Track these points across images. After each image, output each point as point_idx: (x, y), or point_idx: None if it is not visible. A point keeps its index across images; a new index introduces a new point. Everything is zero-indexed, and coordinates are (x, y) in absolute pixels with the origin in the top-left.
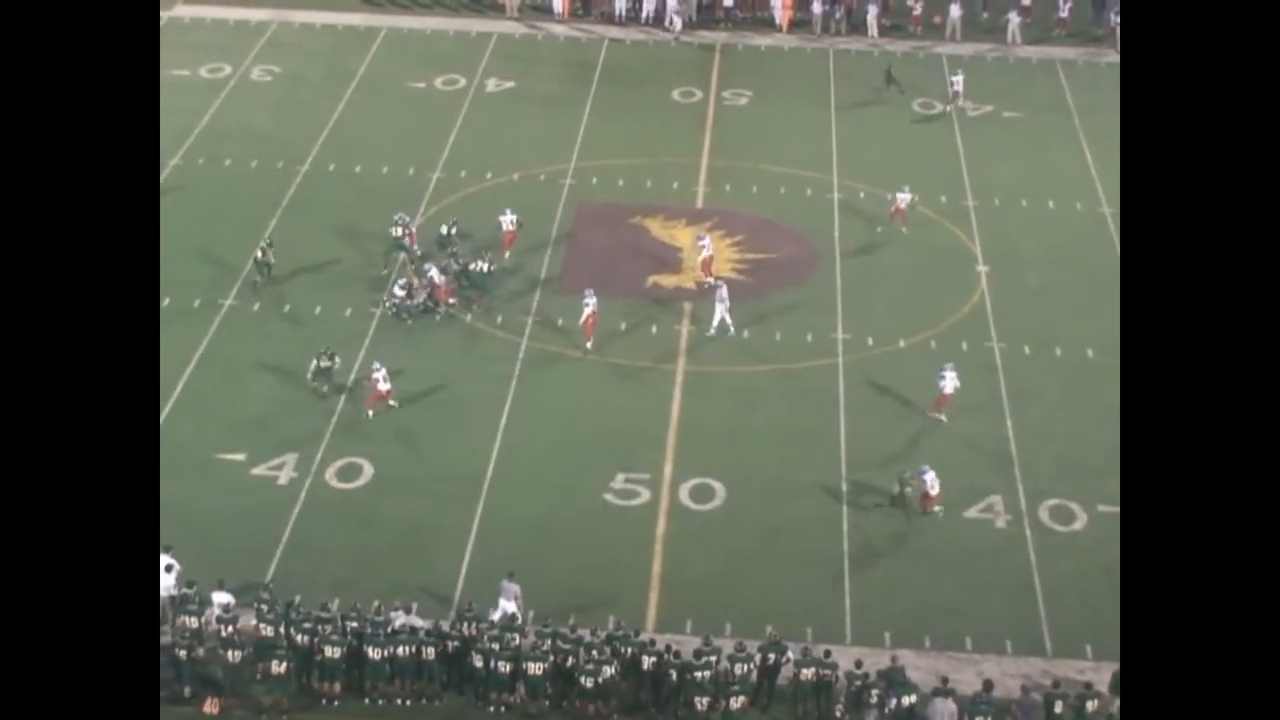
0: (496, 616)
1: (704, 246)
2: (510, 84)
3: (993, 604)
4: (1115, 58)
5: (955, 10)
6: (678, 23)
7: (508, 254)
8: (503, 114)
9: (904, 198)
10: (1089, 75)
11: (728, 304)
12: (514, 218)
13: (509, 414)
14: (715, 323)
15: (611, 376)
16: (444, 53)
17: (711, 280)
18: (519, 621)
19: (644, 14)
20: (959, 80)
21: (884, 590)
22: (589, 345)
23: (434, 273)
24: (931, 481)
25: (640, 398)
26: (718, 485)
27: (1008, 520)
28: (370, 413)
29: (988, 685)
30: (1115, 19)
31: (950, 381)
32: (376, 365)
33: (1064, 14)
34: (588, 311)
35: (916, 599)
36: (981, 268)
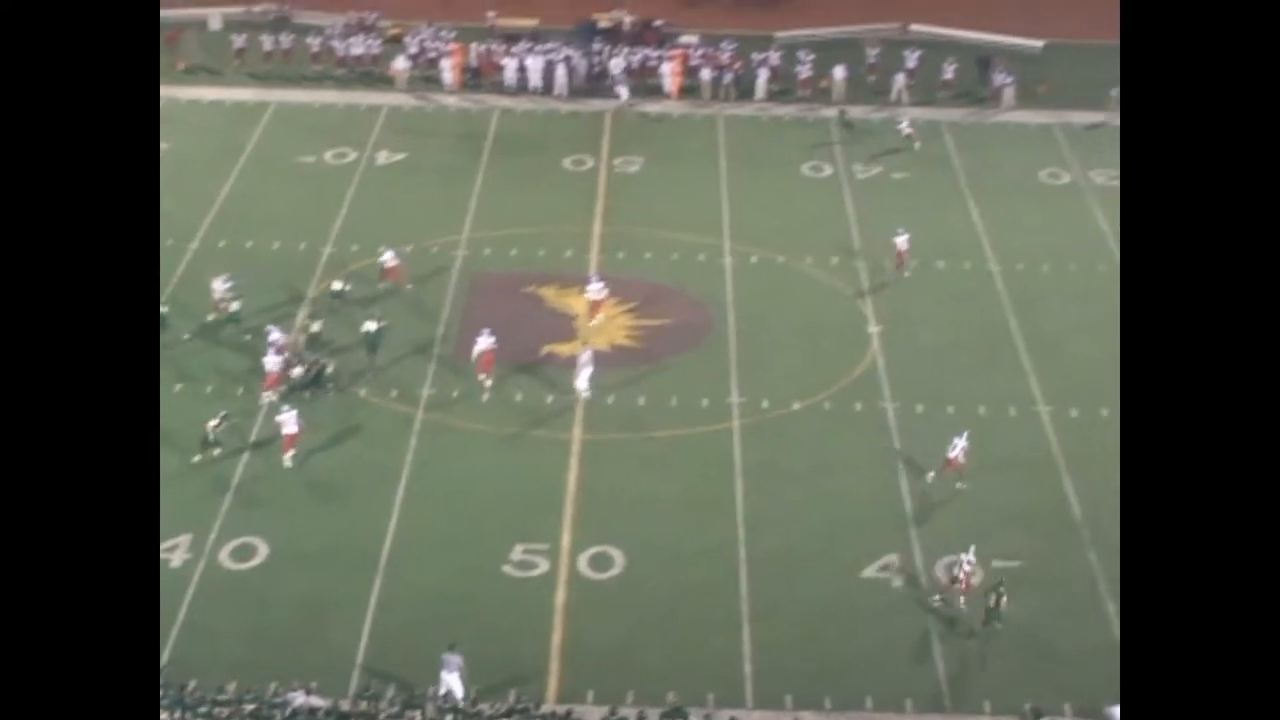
0: (443, 691)
1: (596, 289)
2: (401, 156)
3: (892, 662)
4: (1001, 118)
5: (840, 73)
6: (624, 93)
7: (409, 285)
8: (394, 186)
9: (902, 240)
10: (974, 136)
11: (591, 369)
12: (393, 253)
13: (405, 487)
14: (579, 385)
15: (507, 446)
16: (334, 126)
17: (597, 319)
18: (461, 695)
19: (531, 84)
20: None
21: (785, 652)
22: (487, 384)
23: (275, 334)
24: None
25: (537, 467)
26: (617, 553)
27: (905, 579)
28: (287, 460)
29: None
30: (999, 79)
31: (959, 448)
32: (285, 409)
33: (949, 76)
34: (480, 349)
35: (817, 660)
36: (873, 328)
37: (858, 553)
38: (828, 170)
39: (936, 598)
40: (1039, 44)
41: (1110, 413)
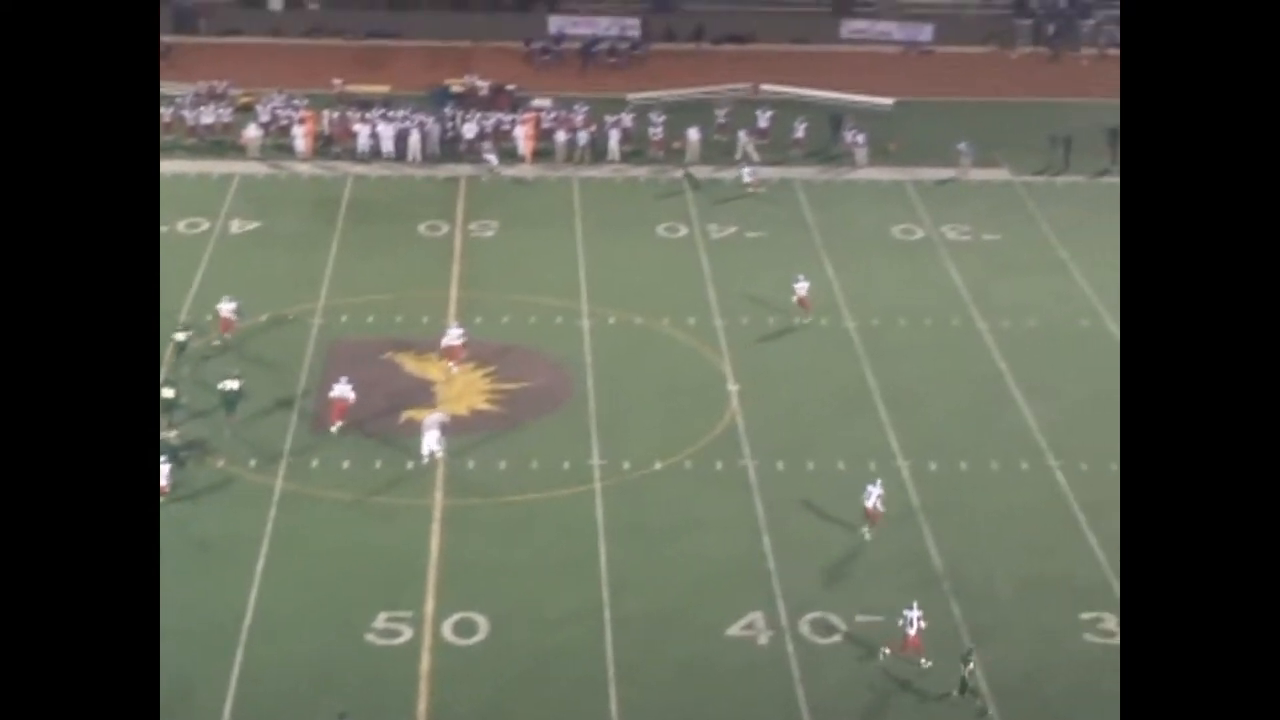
0: None
1: (456, 335)
2: (255, 224)
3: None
4: (853, 175)
5: (694, 134)
6: (493, 159)
7: (228, 335)
8: (249, 255)
9: (802, 286)
10: (827, 193)
11: (438, 432)
12: (234, 305)
13: (265, 558)
14: (425, 449)
15: (369, 514)
16: (186, 196)
17: (455, 368)
18: None
19: (384, 151)
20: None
21: (652, 713)
22: (334, 429)
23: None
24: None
25: (399, 534)
26: (481, 619)
27: (770, 636)
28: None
29: None
30: (851, 137)
31: (874, 497)
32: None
33: (800, 135)
34: (336, 394)
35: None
36: (732, 386)
37: (722, 611)
38: (683, 230)
39: (885, 651)
40: (889, 102)
41: (969, 466)
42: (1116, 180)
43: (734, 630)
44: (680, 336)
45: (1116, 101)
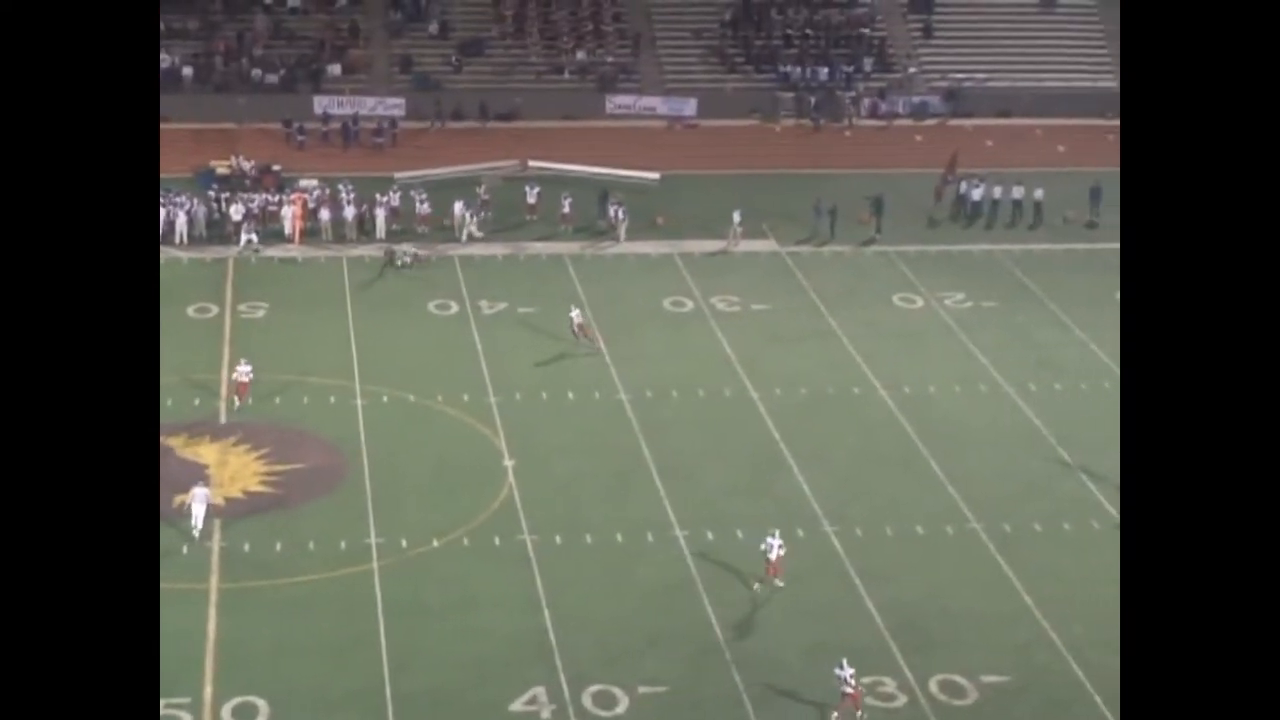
0: None
1: (244, 371)
2: None
3: None
4: (621, 249)
5: (459, 209)
6: (254, 239)
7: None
8: None
9: (245, 371)
10: (595, 267)
11: (204, 506)
12: (248, 369)
13: None
14: (196, 524)
15: None
16: None
17: (239, 401)
18: None
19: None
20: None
21: None
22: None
23: None
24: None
25: (175, 619)
26: (261, 702)
27: (552, 710)
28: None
29: None
30: (613, 210)
31: (775, 549)
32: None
33: (566, 210)
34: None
35: None
36: (508, 462)
37: (504, 687)
38: (454, 307)
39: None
40: (655, 176)
41: (745, 535)
42: (882, 249)
43: (517, 705)
44: (454, 413)
45: (879, 171)
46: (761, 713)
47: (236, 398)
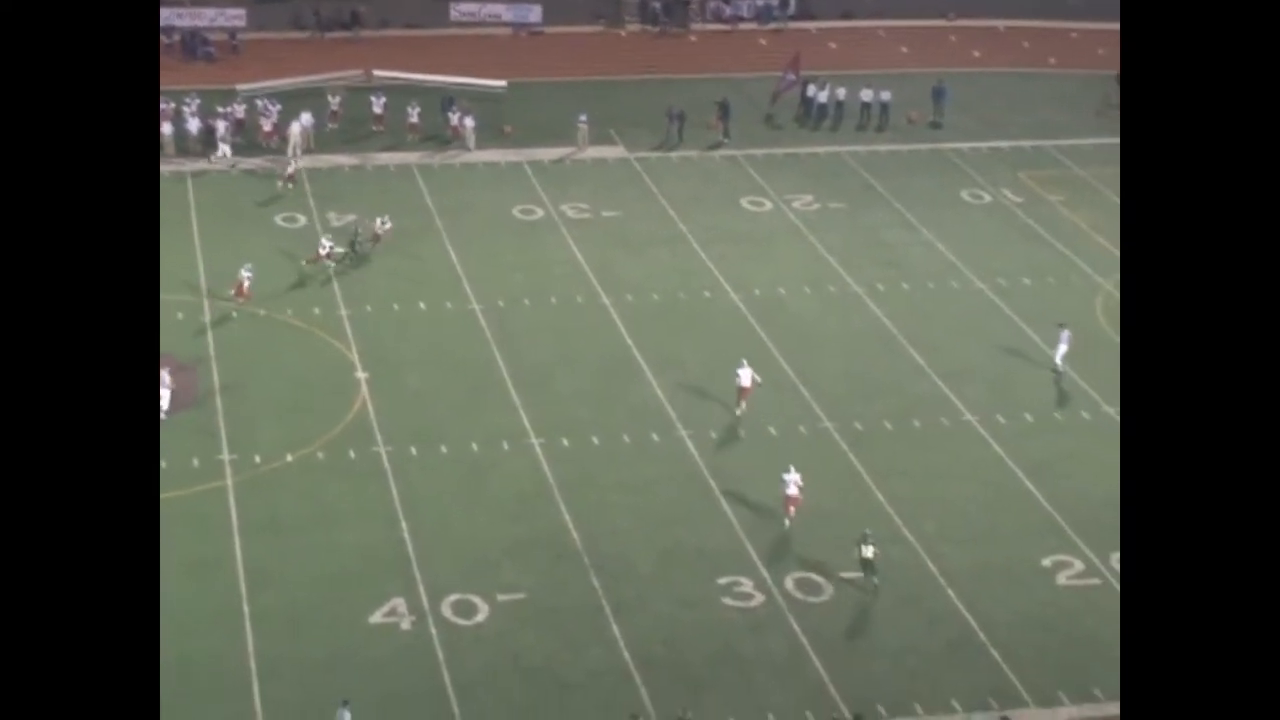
0: None
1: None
2: None
3: (407, 708)
4: (470, 158)
5: (300, 123)
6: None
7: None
8: None
9: (246, 275)
10: (444, 177)
11: None
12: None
13: None
14: None
15: None
16: None
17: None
18: None
19: None
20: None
21: (295, 709)
22: None
23: None
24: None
25: None
26: None
27: (412, 621)
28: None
29: None
30: (456, 118)
31: (793, 483)
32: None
33: (414, 120)
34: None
35: (331, 711)
36: (361, 375)
37: (363, 600)
38: (301, 220)
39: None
40: (502, 84)
41: (601, 440)
42: (730, 152)
43: (376, 618)
44: (305, 327)
45: (725, 75)
46: (620, 617)
47: None
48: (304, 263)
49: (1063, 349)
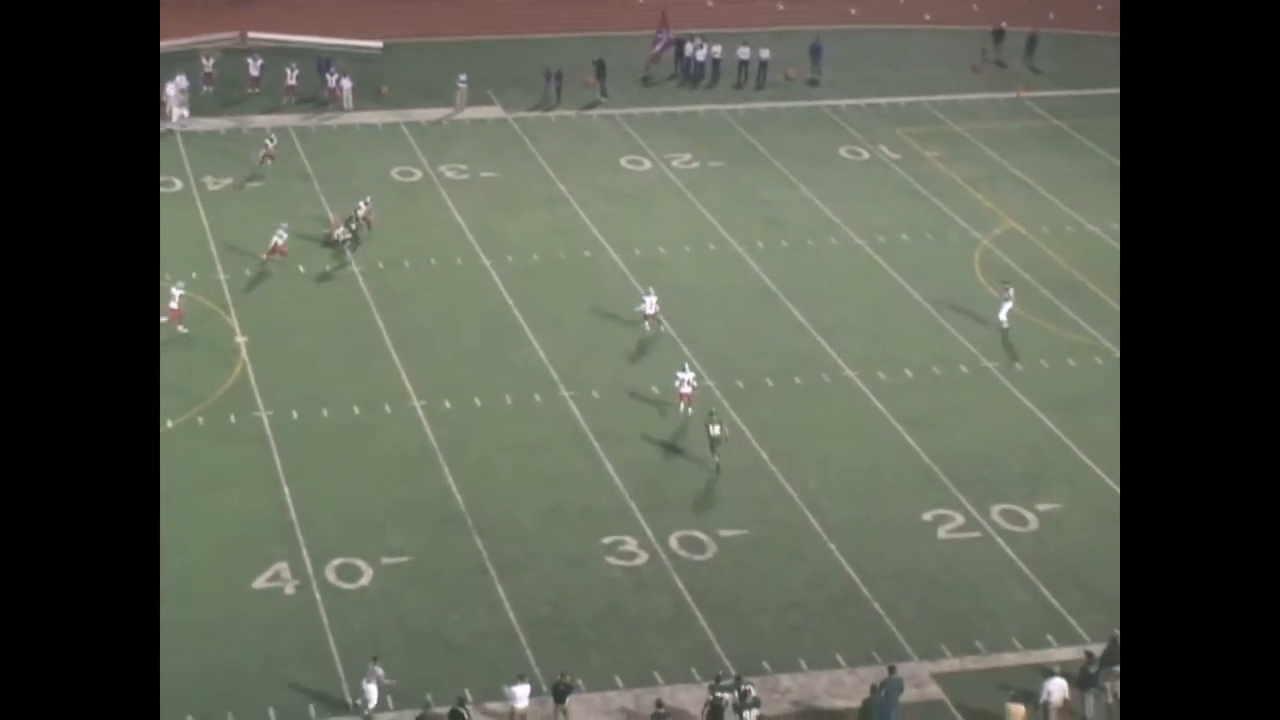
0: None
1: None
2: None
3: (293, 672)
4: (347, 120)
5: (175, 85)
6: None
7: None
8: None
9: (178, 295)
10: (321, 139)
11: None
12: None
13: None
14: None
15: None
16: None
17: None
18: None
19: None
20: None
21: (185, 676)
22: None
23: None
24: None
25: None
26: None
27: (296, 585)
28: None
29: None
30: (333, 80)
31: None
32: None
33: (292, 82)
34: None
35: (220, 677)
36: (240, 339)
37: (247, 565)
38: (178, 185)
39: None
40: (378, 44)
41: (483, 402)
42: (608, 112)
43: (259, 583)
44: (184, 293)
45: (600, 33)
46: (505, 578)
47: None
48: (264, 257)
49: (1007, 306)
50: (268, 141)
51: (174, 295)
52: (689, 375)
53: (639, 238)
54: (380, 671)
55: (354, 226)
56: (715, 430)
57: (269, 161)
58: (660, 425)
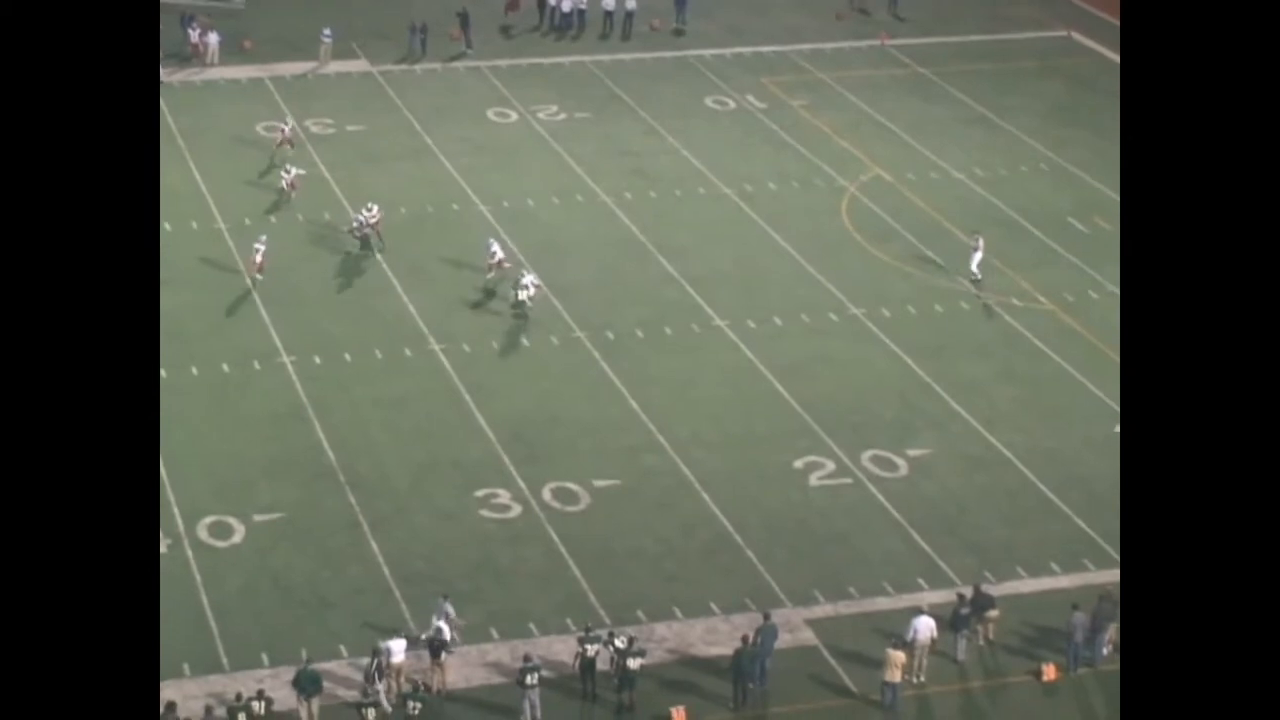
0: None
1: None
2: None
3: (166, 631)
4: (210, 75)
5: None
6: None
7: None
8: None
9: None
10: (185, 95)
11: None
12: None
13: None
14: None
15: None
16: None
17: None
18: (448, 639)
19: None
20: None
21: None
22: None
23: None
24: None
25: None
26: None
27: (168, 544)
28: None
29: (170, 706)
30: (196, 34)
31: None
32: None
33: None
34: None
35: None
36: None
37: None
38: None
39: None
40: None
41: (353, 357)
42: (473, 64)
43: None
44: None
45: None
46: (378, 533)
47: None
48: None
49: (978, 256)
50: (284, 127)
51: (257, 249)
52: (495, 248)
53: (507, 190)
54: (450, 609)
55: (364, 232)
56: (523, 295)
57: (288, 147)
58: (531, 376)
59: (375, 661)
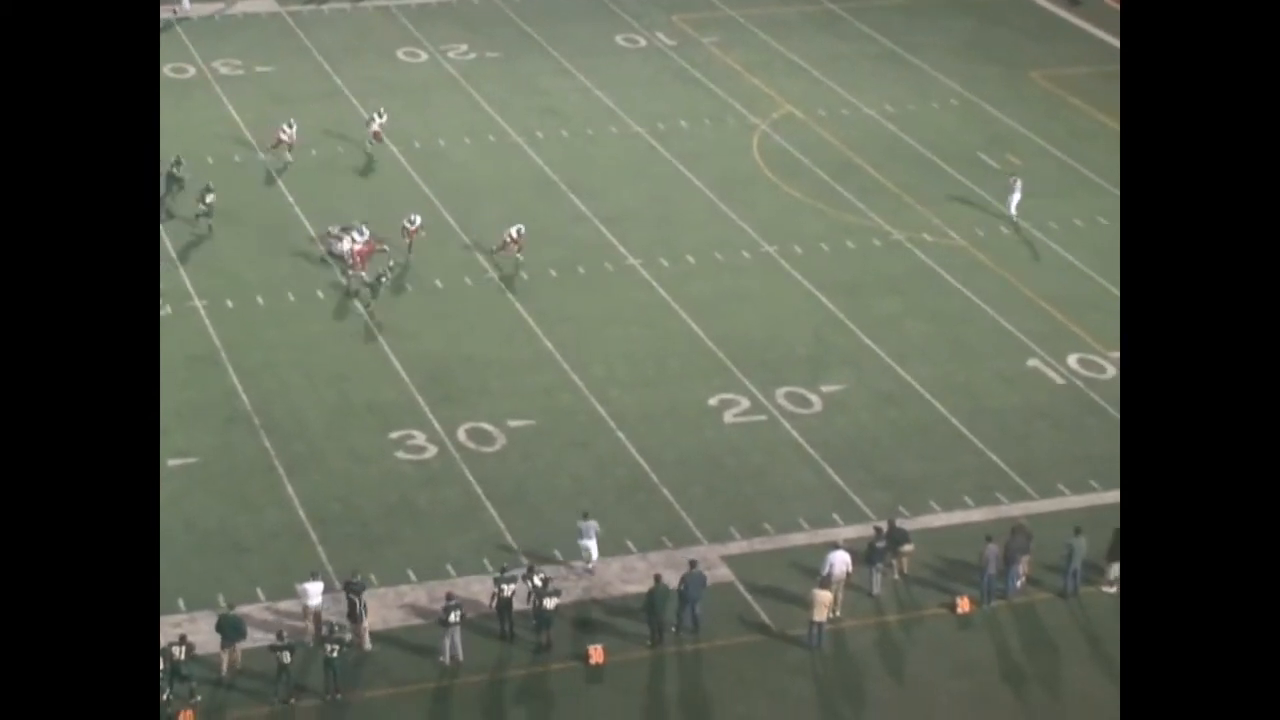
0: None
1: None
2: None
3: None
4: None
5: None
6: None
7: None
8: None
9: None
10: None
11: None
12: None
13: None
14: None
15: None
16: None
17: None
18: (595, 557)
19: None
20: None
21: None
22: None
23: None
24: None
25: None
26: None
27: None
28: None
29: None
30: None
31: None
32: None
33: None
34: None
35: None
36: None
37: None
38: None
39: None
40: None
41: (265, 300)
42: (383, 3)
43: None
44: None
45: None
46: (294, 476)
47: None
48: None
49: (1015, 198)
50: (376, 116)
51: (357, 239)
52: (418, 219)
53: (418, 130)
54: (595, 525)
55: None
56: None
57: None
58: (445, 317)
59: (357, 601)
